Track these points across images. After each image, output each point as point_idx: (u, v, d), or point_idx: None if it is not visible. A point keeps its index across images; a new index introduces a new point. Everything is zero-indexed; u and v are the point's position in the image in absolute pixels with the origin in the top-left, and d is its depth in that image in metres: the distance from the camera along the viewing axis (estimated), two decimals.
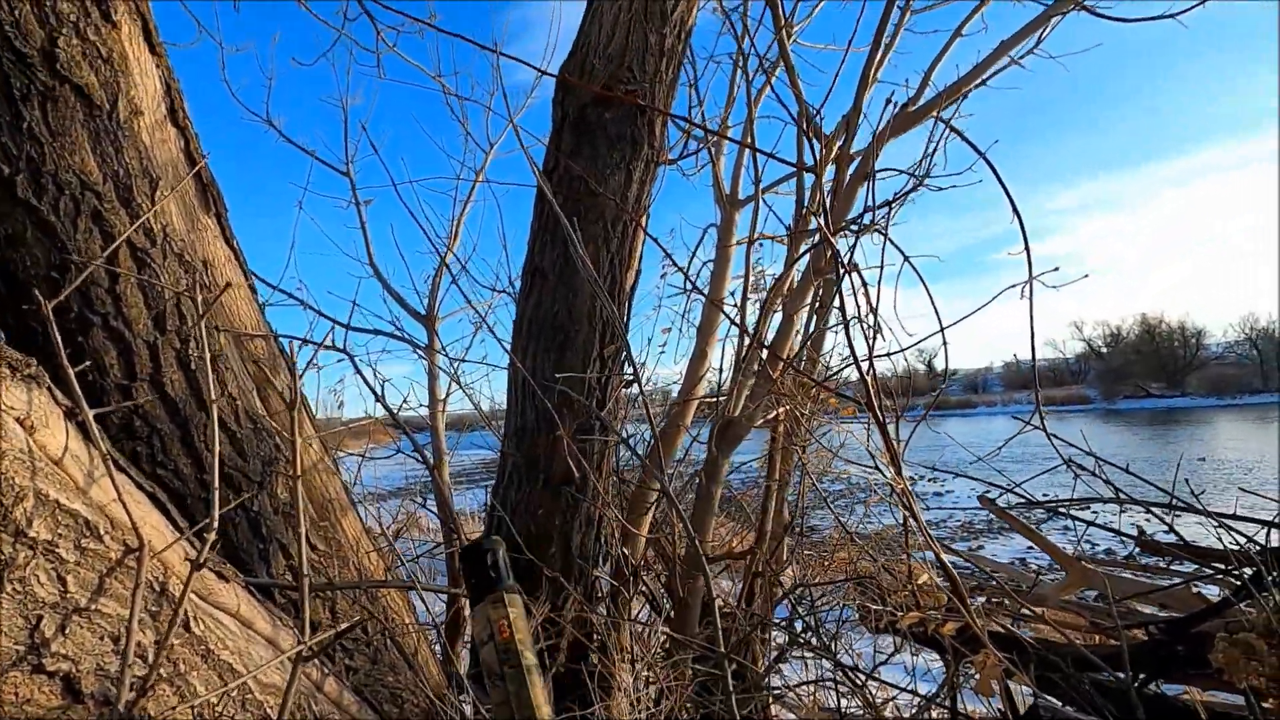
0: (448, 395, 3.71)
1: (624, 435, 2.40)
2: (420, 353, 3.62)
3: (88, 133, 1.42)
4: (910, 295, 2.15)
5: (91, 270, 1.34)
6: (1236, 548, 1.97)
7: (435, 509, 3.10)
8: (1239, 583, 1.87)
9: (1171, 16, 2.25)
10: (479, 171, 3.98)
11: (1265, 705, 1.46)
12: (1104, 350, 59.48)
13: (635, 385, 2.30)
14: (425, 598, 2.50)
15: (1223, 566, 2.08)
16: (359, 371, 1.69)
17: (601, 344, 2.44)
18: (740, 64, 2.74)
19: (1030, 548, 9.06)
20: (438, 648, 2.63)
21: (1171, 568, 2.32)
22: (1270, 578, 1.63)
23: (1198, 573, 2.08)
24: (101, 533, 0.98)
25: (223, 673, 1.18)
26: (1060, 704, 1.62)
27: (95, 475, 1.02)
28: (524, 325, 2.56)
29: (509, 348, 2.56)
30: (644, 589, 2.64)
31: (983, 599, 2.49)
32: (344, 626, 1.30)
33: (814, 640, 2.35)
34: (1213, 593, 2.13)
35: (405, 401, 2.81)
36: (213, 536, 0.92)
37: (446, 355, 3.45)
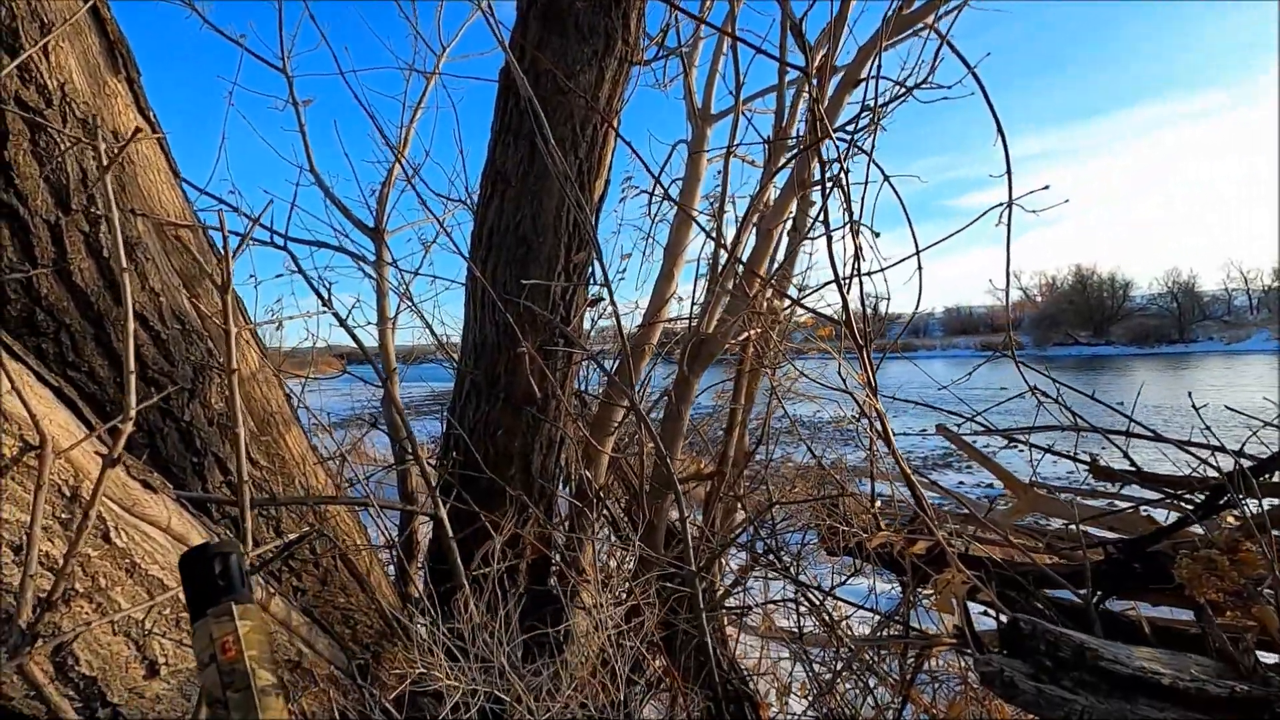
0: (397, 313, 3.50)
1: (590, 352, 2.29)
2: (368, 267, 3.38)
3: None
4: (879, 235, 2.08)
5: None
6: (1190, 474, 2.03)
7: (386, 430, 2.96)
8: (1191, 506, 1.93)
9: None
10: (432, 71, 3.65)
11: (1221, 620, 1.50)
12: (1039, 299, 61.89)
13: (605, 300, 2.17)
14: (379, 519, 2.39)
15: (1172, 491, 2.15)
16: (300, 270, 1.51)
17: (568, 255, 2.28)
18: None
19: (960, 482, 9.52)
20: (391, 569, 2.54)
21: (1122, 493, 2.39)
22: (1229, 497, 1.67)
23: (1159, 498, 2.13)
24: None
25: (152, 589, 1.06)
26: (1028, 617, 1.64)
27: None
28: (484, 235, 2.38)
29: (468, 258, 2.38)
30: (606, 513, 2.59)
31: (942, 523, 2.53)
32: (291, 538, 1.18)
33: (775, 561, 2.35)
34: (1161, 516, 2.20)
35: (350, 315, 2.61)
36: (129, 429, 0.78)
37: (398, 268, 3.23)
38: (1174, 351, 47.05)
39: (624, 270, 3.42)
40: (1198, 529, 1.85)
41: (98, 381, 1.42)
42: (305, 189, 3.59)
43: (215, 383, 1.61)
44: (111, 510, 1.01)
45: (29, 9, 1.28)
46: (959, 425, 2.77)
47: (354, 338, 1.67)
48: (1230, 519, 1.71)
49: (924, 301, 2.21)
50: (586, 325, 2.75)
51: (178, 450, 1.55)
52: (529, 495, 2.34)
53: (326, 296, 1.67)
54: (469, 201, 3.33)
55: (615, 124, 2.33)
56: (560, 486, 2.54)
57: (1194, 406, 1.94)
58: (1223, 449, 1.91)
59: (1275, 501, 1.64)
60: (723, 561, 2.89)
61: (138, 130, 1.37)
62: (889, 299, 2.21)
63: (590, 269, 2.33)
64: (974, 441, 3.07)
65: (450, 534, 1.67)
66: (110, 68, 1.47)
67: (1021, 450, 2.69)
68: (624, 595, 1.85)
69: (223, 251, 0.95)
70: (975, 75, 2.17)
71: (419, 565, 2.71)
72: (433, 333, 3.31)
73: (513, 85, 2.21)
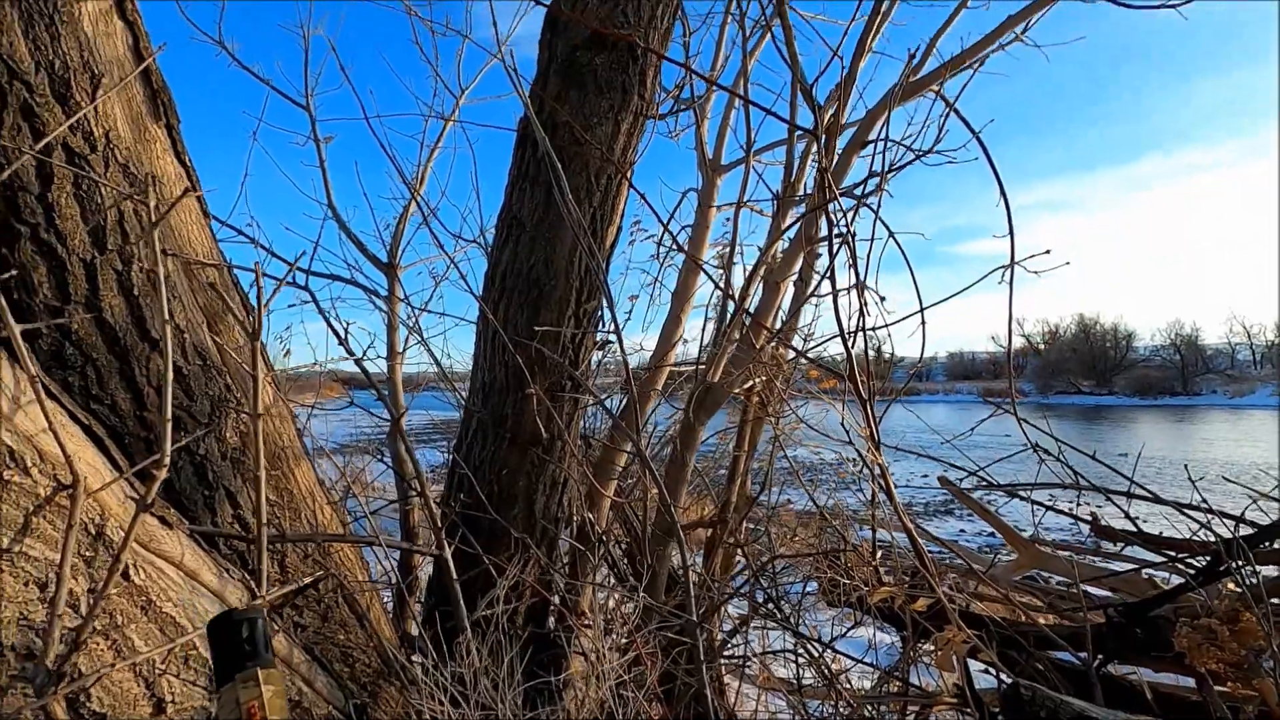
0: (406, 348, 3.55)
1: (598, 396, 2.32)
2: (380, 302, 3.44)
3: (18, 12, 1.24)
4: (882, 280, 2.12)
5: (16, 168, 1.17)
6: (1191, 537, 2.03)
7: (391, 464, 2.98)
8: (1192, 570, 1.93)
9: (1171, 5, 2.24)
10: (450, 114, 3.76)
11: (1222, 688, 1.50)
12: (1042, 347, 62.02)
13: (613, 344, 2.21)
14: (379, 554, 2.39)
15: (1174, 554, 2.15)
16: (322, 313, 1.56)
17: (579, 300, 2.34)
18: (738, 18, 2.63)
19: (961, 530, 9.44)
20: (390, 605, 2.54)
21: (1122, 553, 2.39)
22: (1228, 566, 1.68)
23: (1160, 561, 2.13)
24: (29, 464, 0.85)
25: (164, 626, 1.07)
26: (1028, 682, 1.64)
27: (22, 401, 0.89)
28: (497, 277, 2.44)
29: (480, 299, 2.43)
30: (606, 556, 2.59)
31: (942, 578, 2.53)
32: (306, 581, 1.20)
33: (776, 612, 2.34)
34: (1163, 578, 2.19)
35: (365, 353, 2.65)
36: (163, 474, 0.81)
37: (409, 304, 3.28)
38: (1177, 404, 46.89)
39: (630, 311, 3.48)
40: (1199, 594, 1.85)
41: (119, 415, 1.46)
42: (318, 220, 3.67)
43: (231, 418, 1.65)
44: (131, 547, 1.04)
45: (80, 60, 1.36)
46: (960, 478, 2.78)
47: (369, 378, 1.71)
48: (1231, 586, 1.71)
49: (927, 348, 2.24)
50: (594, 361, 2.79)
51: (191, 484, 1.57)
52: (531, 536, 2.35)
53: (343, 335, 1.71)
54: (482, 241, 3.40)
55: (629, 175, 2.41)
56: (562, 528, 2.54)
57: (1190, 480, 1.95)
58: (1223, 514, 1.92)
59: (1275, 569, 1.65)
60: (722, 609, 2.88)
61: (187, 190, 1.44)
62: (892, 345, 2.25)
63: (600, 314, 2.38)
64: (975, 492, 3.08)
65: (454, 575, 1.69)
66: (152, 114, 1.54)
67: (1024, 502, 2.70)
68: (625, 644, 1.85)
69: (256, 302, 0.99)
70: (980, 141, 2.24)
71: (416, 601, 2.70)
72: (440, 369, 3.35)
73: (530, 134, 2.29)
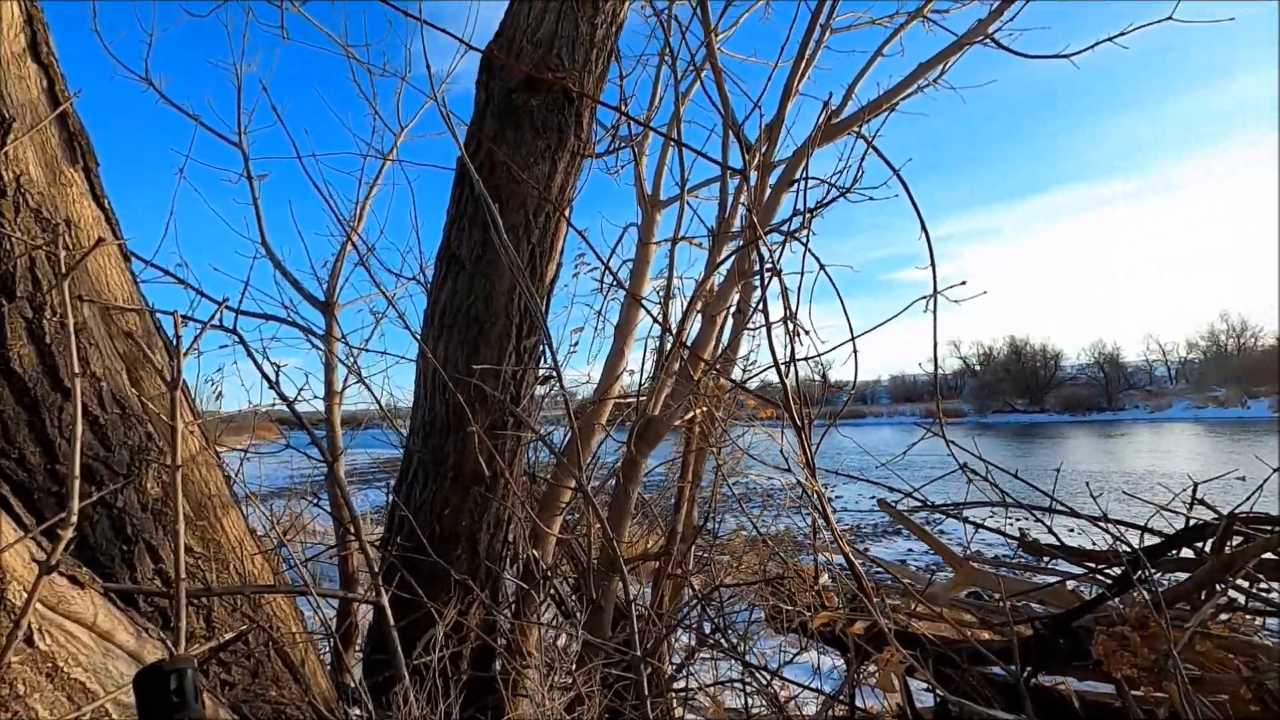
0: (344, 388, 3.48)
1: (540, 432, 2.32)
2: (317, 341, 3.36)
3: None
4: (816, 310, 2.22)
5: None
6: (1109, 548, 2.15)
7: (329, 508, 2.89)
8: (1110, 580, 2.04)
9: (1065, 56, 2.43)
10: (389, 152, 3.75)
11: (1136, 692, 1.58)
12: (978, 368, 64.62)
13: (554, 380, 2.22)
14: (320, 603, 2.31)
15: (1093, 566, 2.26)
16: (251, 355, 1.52)
17: (519, 337, 2.34)
18: (670, 62, 2.73)
19: (909, 549, 9.66)
20: (327, 656, 2.44)
21: (1049, 567, 2.50)
22: (1138, 575, 1.78)
23: (1071, 572, 2.24)
24: None
25: (73, 693, 1.02)
26: (957, 699, 1.69)
27: None
28: (436, 315, 2.43)
29: (419, 337, 2.41)
30: (553, 592, 2.56)
31: (881, 599, 2.59)
32: (227, 638, 1.15)
33: (723, 641, 2.35)
34: (1087, 590, 2.30)
35: (300, 394, 2.59)
36: (69, 534, 0.78)
37: (347, 344, 3.22)
38: (1104, 419, 49.40)
39: (575, 344, 3.50)
40: (1116, 603, 1.95)
41: (28, 469, 1.39)
42: (251, 259, 3.58)
43: (152, 468, 1.58)
44: (36, 610, 0.99)
45: None
46: (897, 499, 2.87)
47: (300, 420, 1.68)
48: (1145, 595, 1.81)
49: (870, 371, 2.33)
50: (539, 392, 2.78)
51: (107, 538, 1.50)
52: (475, 576, 2.31)
53: (274, 378, 1.68)
54: (421, 278, 3.38)
55: (567, 213, 2.45)
56: (507, 566, 2.51)
57: (1092, 496, 2.07)
58: (1135, 525, 2.04)
59: (1180, 577, 1.76)
60: (671, 640, 2.87)
61: (100, 240, 1.40)
62: (826, 372, 2.33)
63: (541, 350, 2.39)
64: (920, 513, 3.17)
65: (391, 621, 1.64)
66: (68, 158, 1.50)
67: (963, 522, 2.80)
68: (573, 681, 1.83)
69: (175, 347, 0.97)
70: (900, 178, 2.38)
71: (357, 652, 2.60)
72: (381, 407, 3.29)
73: (469, 173, 2.32)
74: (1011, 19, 2.24)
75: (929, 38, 2.98)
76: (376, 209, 3.89)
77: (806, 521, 2.82)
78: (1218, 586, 1.60)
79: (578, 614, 2.28)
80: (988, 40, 2.27)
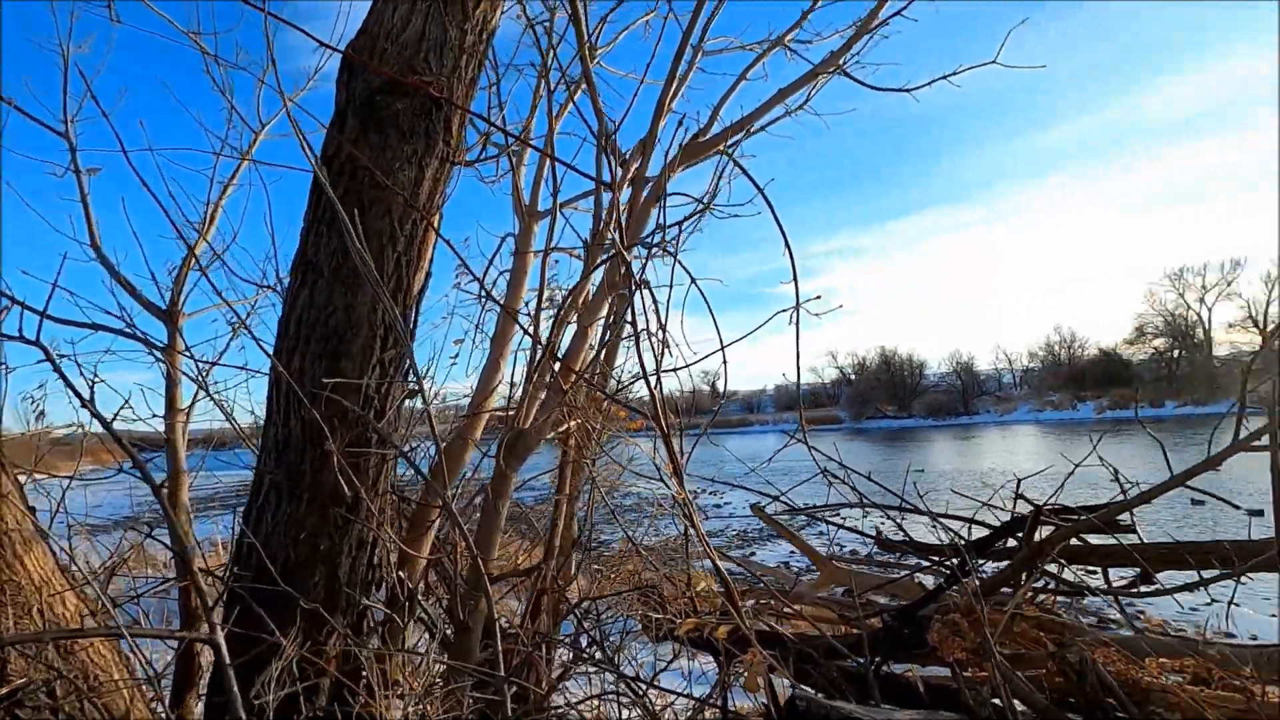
0: (192, 404, 3.18)
1: (405, 449, 2.22)
2: (157, 354, 3.05)
3: None
4: (691, 322, 2.28)
5: None
6: (949, 542, 2.35)
7: (167, 541, 2.62)
8: (948, 571, 2.22)
9: (906, 90, 2.65)
10: (246, 151, 3.49)
11: (967, 674, 1.73)
12: (852, 377, 69.04)
13: (418, 395, 2.14)
14: (147, 645, 2.08)
15: (937, 559, 2.46)
16: (56, 367, 1.35)
17: (382, 349, 2.24)
18: (543, 75, 2.73)
19: (792, 552, 10.10)
20: (161, 703, 2.20)
21: (902, 562, 2.69)
22: (968, 565, 1.95)
23: (919, 565, 2.42)
24: None
25: None
26: (814, 692, 1.77)
27: None
28: (291, 325, 2.27)
29: (272, 350, 2.25)
30: (422, 615, 2.45)
31: (753, 601, 2.68)
32: (11, 687, 1.01)
33: (598, 654, 2.35)
34: (930, 582, 2.50)
35: (129, 406, 2.34)
36: None
37: (192, 357, 2.95)
38: (961, 423, 54.34)
39: (456, 356, 3.38)
40: (955, 592, 2.12)
41: None
42: (84, 264, 3.20)
43: None
44: None
45: None
46: (766, 503, 3.00)
47: (117, 439, 1.51)
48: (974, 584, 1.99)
49: (756, 381, 2.43)
50: (409, 405, 2.67)
51: None
52: (333, 605, 2.17)
53: (88, 396, 1.50)
54: (279, 288, 3.16)
55: (436, 221, 2.38)
56: (374, 589, 2.38)
57: (919, 495, 2.25)
58: (969, 520, 2.24)
59: (1000, 565, 1.95)
60: (551, 656, 2.83)
61: None
62: (715, 383, 2.40)
63: (406, 363, 2.30)
64: (797, 515, 3.32)
65: (227, 659, 1.51)
66: None
67: (830, 525, 2.96)
68: (434, 708, 1.75)
69: None
70: (764, 196, 2.49)
71: (197, 694, 2.37)
72: (233, 422, 3.04)
73: (324, 177, 2.19)
74: (858, 54, 2.42)
75: (793, 65, 3.17)
76: (231, 212, 3.60)
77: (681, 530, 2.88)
78: (1031, 573, 1.78)
79: (448, 636, 2.20)
80: (839, 72, 2.44)
